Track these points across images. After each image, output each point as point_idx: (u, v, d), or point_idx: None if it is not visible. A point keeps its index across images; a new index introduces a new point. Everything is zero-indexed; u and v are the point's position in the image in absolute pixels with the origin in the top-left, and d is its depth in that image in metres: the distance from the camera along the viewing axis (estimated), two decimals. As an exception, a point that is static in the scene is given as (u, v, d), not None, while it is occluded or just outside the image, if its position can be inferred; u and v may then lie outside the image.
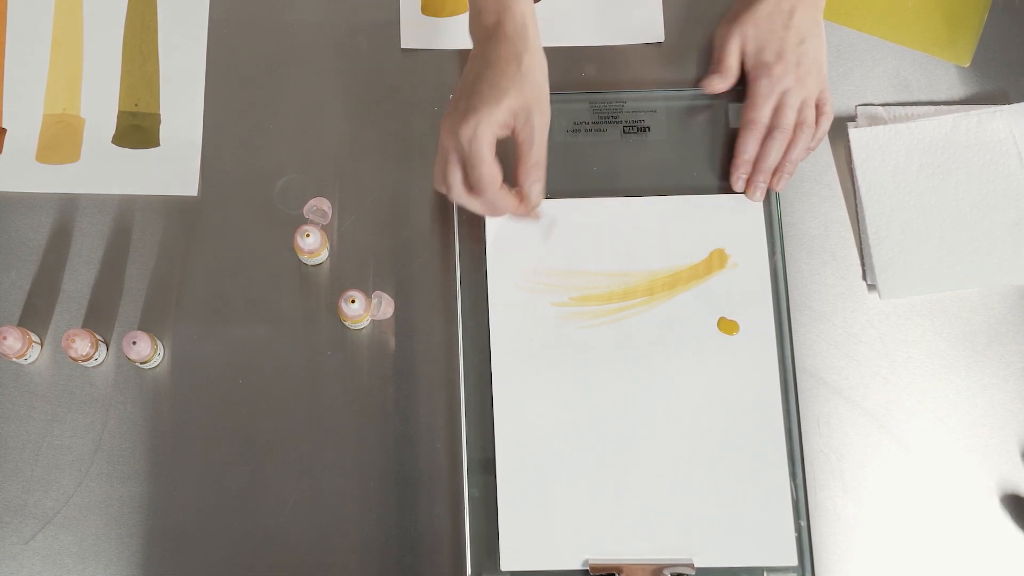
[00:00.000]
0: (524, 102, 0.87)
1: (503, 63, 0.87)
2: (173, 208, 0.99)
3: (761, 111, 0.97)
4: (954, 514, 0.94)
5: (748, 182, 0.98)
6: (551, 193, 0.97)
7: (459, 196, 0.90)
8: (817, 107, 0.98)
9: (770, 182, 0.98)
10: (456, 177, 0.88)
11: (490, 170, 0.87)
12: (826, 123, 0.98)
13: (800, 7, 0.97)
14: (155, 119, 1.01)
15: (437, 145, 0.90)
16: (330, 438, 0.94)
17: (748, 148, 0.97)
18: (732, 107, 1.01)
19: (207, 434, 0.94)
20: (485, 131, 0.85)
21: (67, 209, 0.99)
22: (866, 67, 1.04)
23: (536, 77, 0.88)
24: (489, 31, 0.89)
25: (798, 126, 0.97)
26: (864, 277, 0.99)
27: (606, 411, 0.94)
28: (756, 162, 0.98)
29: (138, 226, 0.98)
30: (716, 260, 0.97)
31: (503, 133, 0.87)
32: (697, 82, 1.02)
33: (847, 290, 0.99)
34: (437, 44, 1.03)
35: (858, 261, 0.99)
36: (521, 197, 0.90)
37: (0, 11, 1.04)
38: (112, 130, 1.01)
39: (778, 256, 0.97)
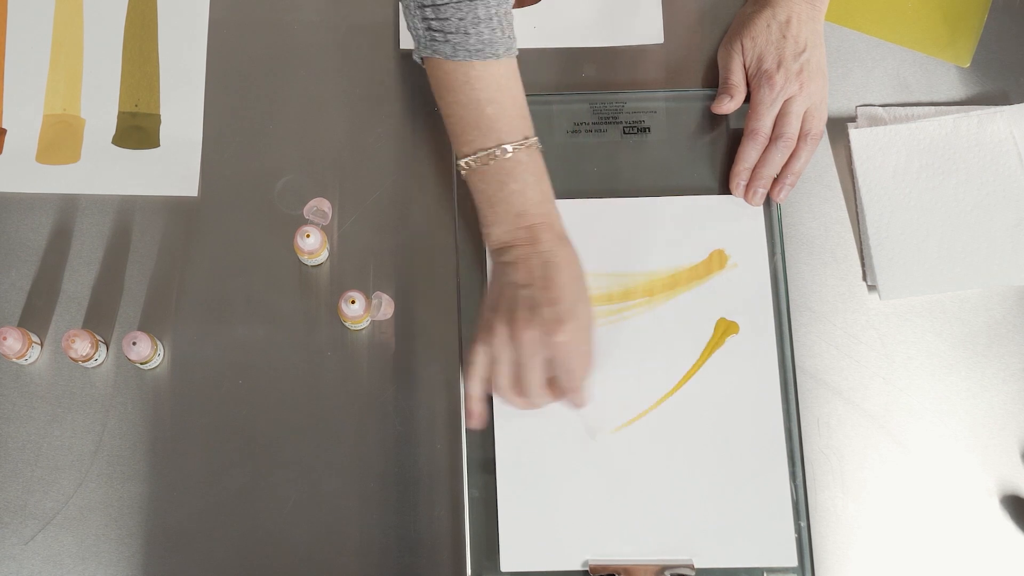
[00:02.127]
0: (591, 307, 0.88)
1: (573, 265, 0.88)
2: (173, 208, 0.99)
3: (763, 120, 0.97)
4: (954, 514, 0.94)
5: (747, 187, 0.98)
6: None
7: (537, 399, 0.89)
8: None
9: (771, 192, 0.98)
10: (539, 381, 0.87)
11: (582, 372, 0.87)
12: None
13: (796, 16, 0.97)
14: (155, 119, 1.01)
15: (488, 347, 0.88)
16: (330, 438, 0.94)
17: (748, 156, 0.98)
18: (732, 107, 1.01)
19: (207, 434, 0.94)
20: (579, 336, 0.86)
21: (67, 209, 0.99)
22: (866, 68, 1.04)
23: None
24: (534, 231, 0.88)
25: (803, 136, 0.97)
26: (864, 278, 0.99)
27: (606, 411, 0.94)
28: (756, 169, 0.98)
29: (138, 226, 0.98)
30: (716, 260, 0.97)
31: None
32: (697, 83, 1.03)
33: (847, 291, 0.99)
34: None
35: (858, 262, 0.99)
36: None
37: (0, 11, 1.04)
38: (112, 130, 1.01)
39: (778, 257, 0.97)
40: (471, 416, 0.90)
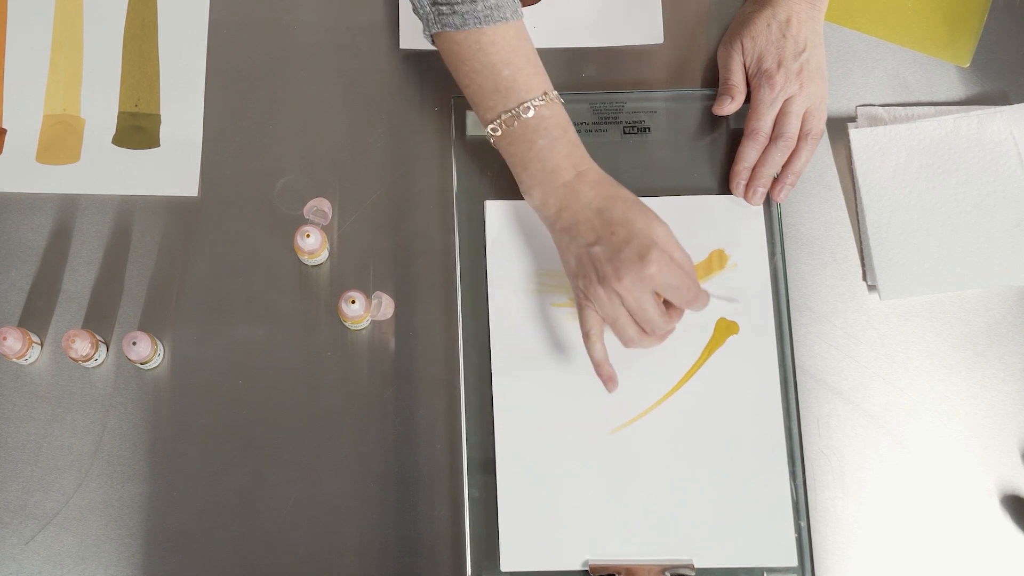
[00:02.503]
0: (659, 218, 0.88)
1: (622, 196, 0.89)
2: (173, 208, 0.99)
3: (763, 120, 0.97)
4: (954, 515, 0.94)
5: (747, 187, 0.98)
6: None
7: (667, 327, 0.89)
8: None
9: (771, 192, 0.98)
10: (658, 313, 0.88)
11: (689, 281, 0.88)
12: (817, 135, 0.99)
13: (796, 16, 0.97)
14: (155, 119, 1.01)
15: (596, 315, 0.89)
16: (330, 438, 0.94)
17: (748, 156, 0.98)
18: (732, 107, 1.01)
19: (207, 434, 0.94)
20: (665, 256, 0.86)
21: (67, 209, 0.99)
22: (866, 68, 1.04)
23: (646, 205, 0.89)
24: (573, 186, 0.89)
25: (803, 136, 0.97)
26: (864, 278, 0.99)
27: (606, 411, 0.94)
28: (756, 168, 0.98)
29: (138, 226, 0.98)
30: (716, 261, 0.97)
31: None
32: (697, 83, 1.03)
33: (847, 291, 0.99)
34: (437, 44, 1.03)
35: (858, 262, 0.99)
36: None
37: (0, 11, 1.04)
38: (112, 130, 1.01)
39: (778, 257, 0.97)
40: (608, 380, 0.90)
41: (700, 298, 0.89)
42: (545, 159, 0.89)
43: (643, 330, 0.88)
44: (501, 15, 0.88)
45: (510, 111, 0.89)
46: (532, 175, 0.90)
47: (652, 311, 0.87)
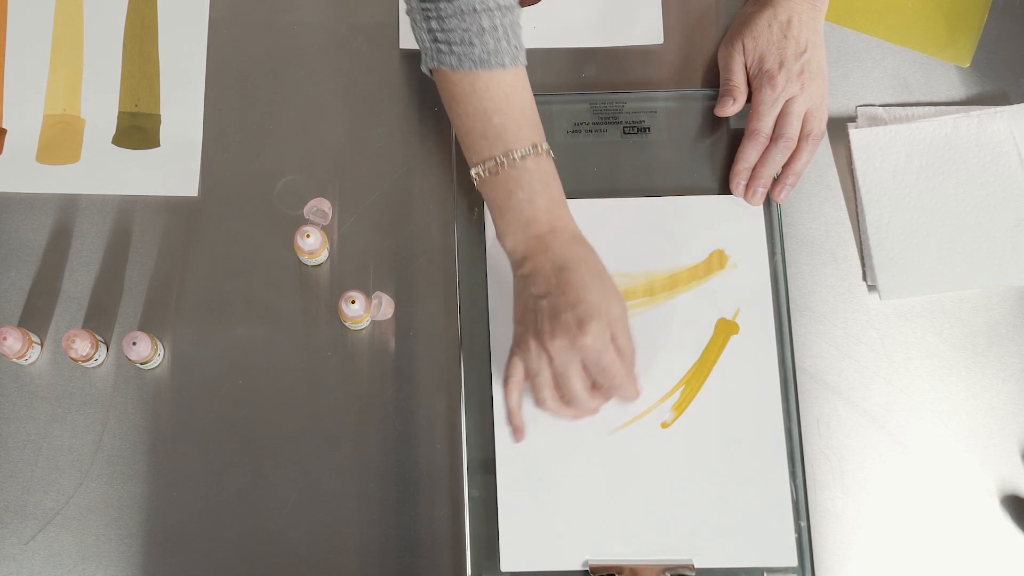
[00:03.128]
0: (620, 299, 0.87)
1: (588, 263, 0.87)
2: (173, 208, 0.99)
3: (764, 120, 0.97)
4: (954, 515, 0.94)
5: (747, 187, 0.98)
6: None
7: (587, 405, 0.87)
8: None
9: (772, 192, 0.98)
10: (581, 387, 0.86)
11: (620, 367, 0.86)
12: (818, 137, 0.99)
13: (797, 16, 0.97)
14: (155, 119, 1.01)
15: (521, 361, 0.87)
16: (330, 439, 0.94)
17: (749, 156, 0.98)
18: (732, 107, 1.01)
19: (207, 434, 0.94)
20: (606, 333, 0.84)
21: (67, 209, 0.99)
22: (866, 68, 1.04)
23: (612, 280, 0.88)
24: (544, 239, 0.87)
25: (803, 137, 0.97)
26: (864, 278, 0.99)
27: (605, 411, 0.93)
28: (756, 169, 0.98)
29: (138, 226, 0.98)
30: (716, 261, 0.97)
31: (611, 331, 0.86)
32: (697, 84, 1.03)
33: (847, 291, 0.99)
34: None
35: (858, 262, 0.99)
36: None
37: (0, 11, 1.03)
38: (112, 130, 1.01)
39: (778, 257, 0.97)
40: (516, 431, 0.89)
41: (628, 388, 0.87)
42: (523, 211, 0.88)
43: (560, 398, 0.87)
44: (499, 61, 0.86)
45: (494, 159, 0.88)
46: (507, 223, 0.89)
47: (575, 382, 0.85)
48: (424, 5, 0.87)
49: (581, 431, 0.93)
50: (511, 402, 0.89)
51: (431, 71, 0.91)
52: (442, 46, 0.87)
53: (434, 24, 0.86)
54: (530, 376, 0.87)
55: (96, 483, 0.93)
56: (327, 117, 1.02)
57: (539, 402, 0.87)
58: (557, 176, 0.89)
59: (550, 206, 0.88)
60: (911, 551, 0.93)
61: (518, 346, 0.87)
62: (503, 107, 0.87)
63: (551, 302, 0.85)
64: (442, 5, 0.85)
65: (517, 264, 0.89)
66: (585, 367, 0.85)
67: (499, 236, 0.90)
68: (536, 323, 0.86)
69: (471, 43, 0.86)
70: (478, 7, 0.85)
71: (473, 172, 0.89)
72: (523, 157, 0.87)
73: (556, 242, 0.87)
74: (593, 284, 0.86)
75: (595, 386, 0.87)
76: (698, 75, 1.03)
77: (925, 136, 1.01)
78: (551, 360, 0.85)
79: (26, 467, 0.93)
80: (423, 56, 0.90)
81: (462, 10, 0.85)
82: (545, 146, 0.89)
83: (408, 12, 0.90)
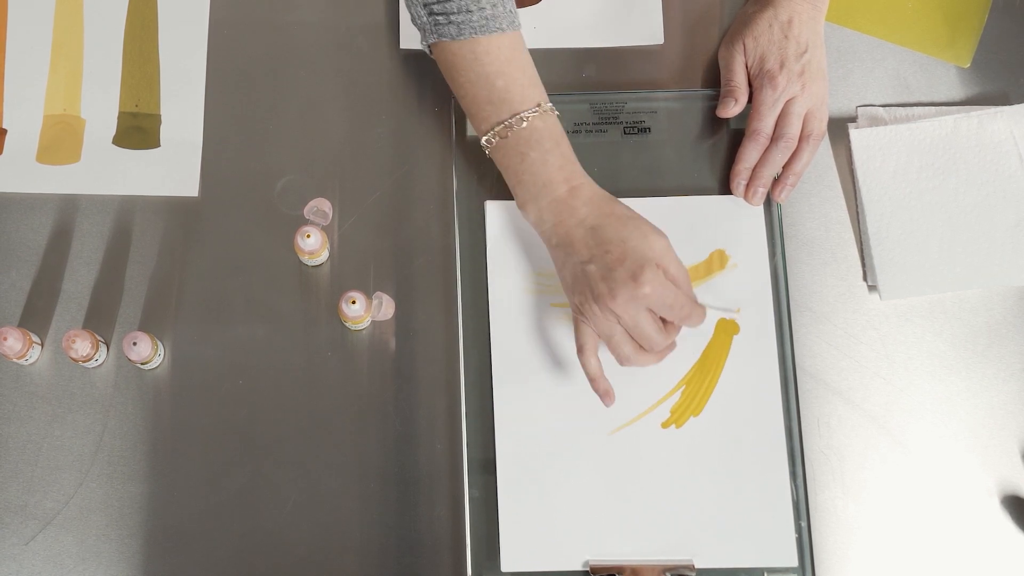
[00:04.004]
0: (658, 232, 0.88)
1: (619, 215, 0.88)
2: (173, 208, 0.99)
3: (765, 121, 0.97)
4: (954, 515, 0.94)
5: (747, 187, 0.98)
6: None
7: (664, 343, 0.88)
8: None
9: (772, 192, 0.98)
10: (655, 330, 0.87)
11: (683, 299, 0.87)
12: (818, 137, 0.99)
13: (798, 16, 0.97)
14: (155, 119, 1.01)
15: (591, 332, 0.88)
16: (330, 438, 0.94)
17: (749, 156, 0.98)
18: (732, 108, 1.01)
19: (207, 434, 0.94)
20: (660, 274, 0.86)
21: (67, 209, 0.99)
22: (866, 68, 1.04)
23: (644, 218, 0.89)
24: (567, 203, 0.89)
25: (804, 137, 0.97)
26: (864, 278, 0.99)
27: (606, 411, 0.94)
28: (756, 169, 0.98)
29: (138, 226, 0.98)
30: (716, 261, 0.97)
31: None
32: (697, 84, 1.03)
33: (847, 291, 0.99)
34: (437, 44, 1.03)
35: (858, 262, 0.99)
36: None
37: (0, 11, 1.03)
38: (112, 131, 1.01)
39: (778, 257, 0.97)
40: (604, 395, 0.90)
41: (695, 314, 0.88)
42: (538, 172, 0.89)
43: (640, 347, 0.88)
44: (497, 25, 0.88)
45: (503, 122, 0.89)
46: (526, 188, 0.90)
47: (648, 328, 0.87)
48: None
49: (581, 431, 0.93)
50: (591, 369, 0.90)
51: (430, 48, 0.92)
52: (439, 18, 0.89)
53: None
54: (604, 339, 0.88)
55: (96, 483, 0.93)
56: (327, 117, 1.02)
57: (622, 359, 0.89)
58: (564, 133, 0.91)
59: (563, 163, 0.90)
60: (911, 551, 0.93)
61: (582, 314, 0.89)
62: (505, 70, 0.89)
63: (598, 264, 0.86)
64: None
65: (548, 235, 0.90)
66: (651, 312, 0.87)
67: (520, 206, 0.92)
68: (592, 289, 0.87)
69: (468, 11, 0.88)
70: None
71: (483, 141, 0.91)
72: (530, 116, 0.89)
73: (579, 202, 0.89)
74: (630, 232, 0.87)
75: (665, 323, 0.88)
76: (698, 75, 1.03)
77: (925, 136, 1.01)
78: (619, 318, 0.86)
79: (26, 467, 0.93)
80: (422, 35, 0.92)
81: None
82: (549, 104, 0.90)
83: None
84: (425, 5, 0.89)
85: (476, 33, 0.88)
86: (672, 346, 0.90)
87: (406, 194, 1.00)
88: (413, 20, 0.92)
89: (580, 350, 0.90)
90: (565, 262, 0.89)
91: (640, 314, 0.86)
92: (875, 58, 1.04)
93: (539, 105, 0.90)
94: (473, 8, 0.88)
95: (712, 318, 0.96)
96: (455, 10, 0.88)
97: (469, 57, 0.89)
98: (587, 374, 0.90)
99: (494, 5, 0.88)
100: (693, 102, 1.02)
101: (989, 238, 0.98)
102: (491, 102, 0.90)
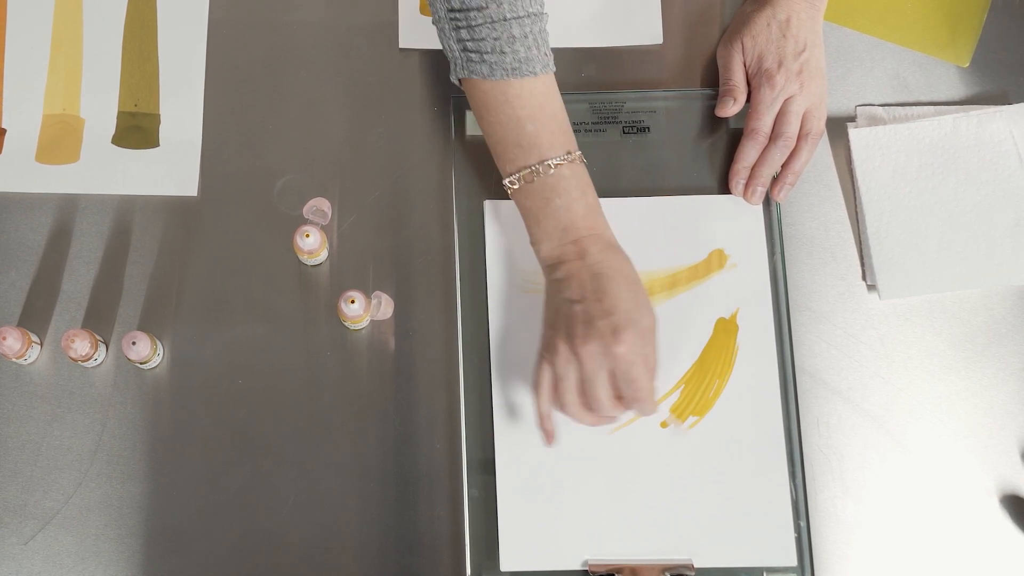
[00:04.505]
0: (652, 311, 0.86)
1: (625, 272, 0.87)
2: (173, 208, 0.99)
3: (763, 120, 0.97)
4: (954, 514, 0.94)
5: (746, 186, 0.98)
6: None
7: (608, 413, 0.87)
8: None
9: (771, 191, 0.98)
10: (606, 395, 0.85)
11: (647, 381, 0.85)
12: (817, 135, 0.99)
13: (796, 15, 0.97)
14: (155, 119, 1.01)
15: (551, 367, 0.87)
16: (330, 438, 0.94)
17: (748, 155, 0.98)
18: (732, 107, 1.01)
19: (207, 434, 0.94)
20: (639, 344, 0.84)
21: (67, 209, 0.99)
22: (866, 67, 1.04)
23: (646, 293, 0.88)
24: (581, 244, 0.87)
25: (802, 136, 0.97)
26: (864, 277, 0.99)
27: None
28: (755, 168, 0.98)
29: (138, 226, 0.98)
30: (716, 260, 0.97)
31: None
32: (696, 83, 1.03)
33: (847, 290, 0.99)
34: (435, 44, 1.03)
35: (858, 261, 0.99)
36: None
37: (0, 11, 1.04)
38: (112, 130, 1.01)
39: (778, 256, 0.97)
40: (548, 436, 0.89)
41: (649, 403, 0.86)
42: (560, 218, 0.88)
43: (583, 404, 0.86)
44: (530, 69, 0.86)
45: (530, 167, 0.88)
46: (543, 230, 0.89)
47: (601, 389, 0.85)
48: (453, 15, 0.86)
49: (581, 431, 0.93)
50: (542, 408, 0.88)
51: (460, 81, 0.90)
52: (472, 55, 0.87)
53: (464, 34, 0.86)
54: (558, 379, 0.86)
55: (96, 483, 0.93)
56: (327, 117, 1.02)
57: (562, 406, 0.87)
58: (591, 183, 0.89)
59: (587, 213, 0.88)
60: (911, 551, 0.93)
61: (547, 350, 0.87)
62: (536, 115, 0.87)
63: (586, 308, 0.85)
64: (472, 14, 0.85)
65: (551, 268, 0.89)
66: (611, 377, 0.85)
67: (534, 243, 0.90)
68: (568, 328, 0.85)
69: (502, 52, 0.86)
70: (508, 15, 0.85)
71: (507, 182, 0.89)
72: (558, 164, 0.87)
73: (593, 248, 0.87)
74: (629, 294, 0.85)
75: (618, 396, 0.86)
76: (697, 75, 1.03)
77: (925, 136, 1.01)
78: (580, 365, 0.85)
79: (26, 467, 0.93)
80: (452, 66, 0.90)
81: (492, 19, 0.85)
82: (578, 152, 0.89)
83: (435, 22, 0.89)
84: (459, 40, 0.87)
85: (508, 76, 0.86)
86: (610, 420, 0.88)
87: (405, 194, 1.00)
88: (445, 50, 0.90)
89: (535, 386, 0.88)
90: (555, 296, 0.88)
91: (600, 371, 0.84)
92: (874, 58, 1.04)
93: (569, 153, 0.88)
94: (507, 50, 0.85)
95: (711, 318, 0.96)
96: (488, 49, 0.86)
97: (500, 99, 0.87)
98: (539, 411, 0.88)
99: (528, 48, 0.86)
100: (692, 101, 1.02)
101: (988, 238, 0.98)
102: (519, 146, 0.88)
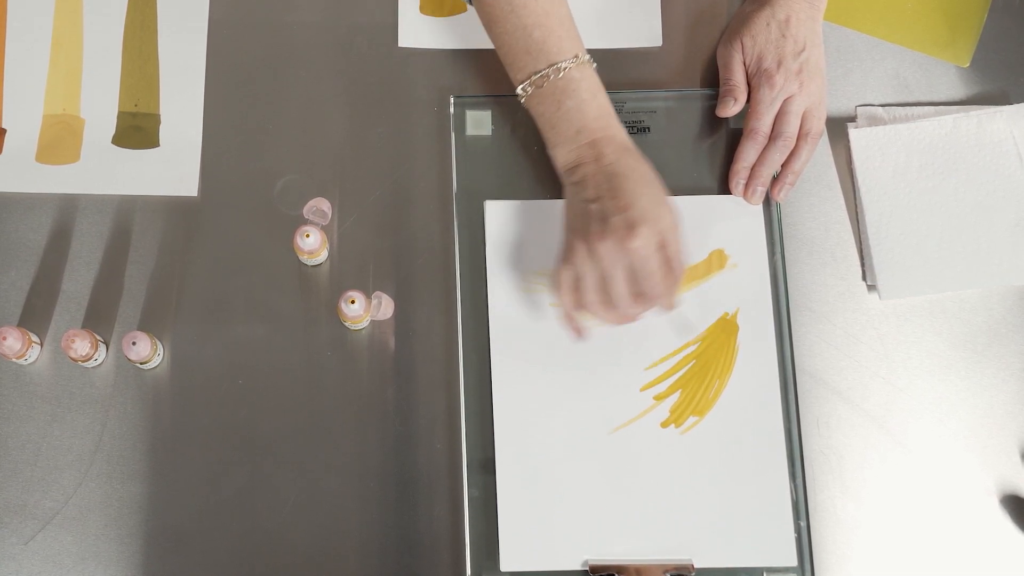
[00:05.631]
0: (672, 209, 0.88)
1: (641, 171, 0.88)
2: (173, 208, 0.99)
3: (763, 120, 0.97)
4: (954, 514, 0.94)
5: (746, 187, 0.98)
6: (552, 195, 0.97)
7: (628, 310, 0.88)
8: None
9: (771, 191, 0.98)
10: (625, 290, 0.87)
11: (663, 276, 0.87)
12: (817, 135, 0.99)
13: (795, 15, 0.97)
14: (155, 119, 1.01)
15: (571, 267, 0.88)
16: (330, 438, 0.94)
17: (747, 156, 0.98)
18: (732, 107, 1.01)
19: (207, 434, 0.94)
20: (655, 240, 0.86)
21: (67, 209, 0.99)
22: (866, 68, 1.04)
23: (665, 190, 0.89)
24: (596, 146, 0.89)
25: (802, 136, 0.97)
26: (864, 277, 0.99)
27: (605, 411, 0.94)
28: (755, 168, 0.98)
29: (138, 226, 0.98)
30: (716, 260, 0.97)
31: (660, 239, 0.87)
32: (696, 83, 1.03)
33: (847, 291, 0.99)
34: (435, 43, 1.03)
35: (858, 261, 0.99)
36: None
37: (0, 11, 1.04)
38: (112, 130, 1.01)
39: (778, 257, 0.97)
40: (576, 331, 0.90)
41: (667, 299, 0.88)
42: (572, 120, 0.90)
43: (605, 300, 0.88)
44: None
45: (540, 72, 0.90)
46: (558, 133, 0.91)
47: (619, 284, 0.87)
48: None
49: (581, 431, 0.93)
50: (566, 307, 0.90)
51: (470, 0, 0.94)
52: None
53: None
54: (577, 277, 0.88)
55: (96, 483, 0.93)
56: (327, 117, 1.02)
57: (583, 303, 0.89)
58: (602, 86, 0.91)
59: (599, 114, 0.90)
60: (911, 551, 0.93)
61: (569, 251, 0.89)
62: (542, 21, 0.90)
63: (601, 206, 0.87)
64: None
65: (569, 172, 0.91)
66: (630, 272, 0.86)
67: (550, 147, 0.92)
68: (586, 227, 0.87)
69: None
70: None
71: (519, 89, 0.92)
72: (567, 68, 0.90)
73: (608, 149, 0.89)
74: (645, 192, 0.87)
75: (638, 294, 0.88)
76: (697, 75, 1.03)
77: (925, 136, 1.01)
78: (599, 262, 0.86)
79: (26, 467, 0.93)
80: None
81: None
82: (587, 56, 0.91)
83: None
84: None
85: None
86: (634, 317, 0.89)
87: (406, 194, 1.00)
88: None
89: (557, 287, 0.90)
90: (573, 199, 0.90)
91: (618, 266, 0.86)
92: (874, 58, 1.04)
93: (576, 56, 0.90)
94: None
95: (712, 317, 0.96)
96: None
97: (506, 8, 0.90)
98: (565, 311, 0.90)
99: None
100: (692, 102, 1.02)
101: (989, 238, 0.98)
102: (528, 52, 0.90)
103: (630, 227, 0.85)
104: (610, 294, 0.87)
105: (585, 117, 0.90)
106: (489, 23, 0.93)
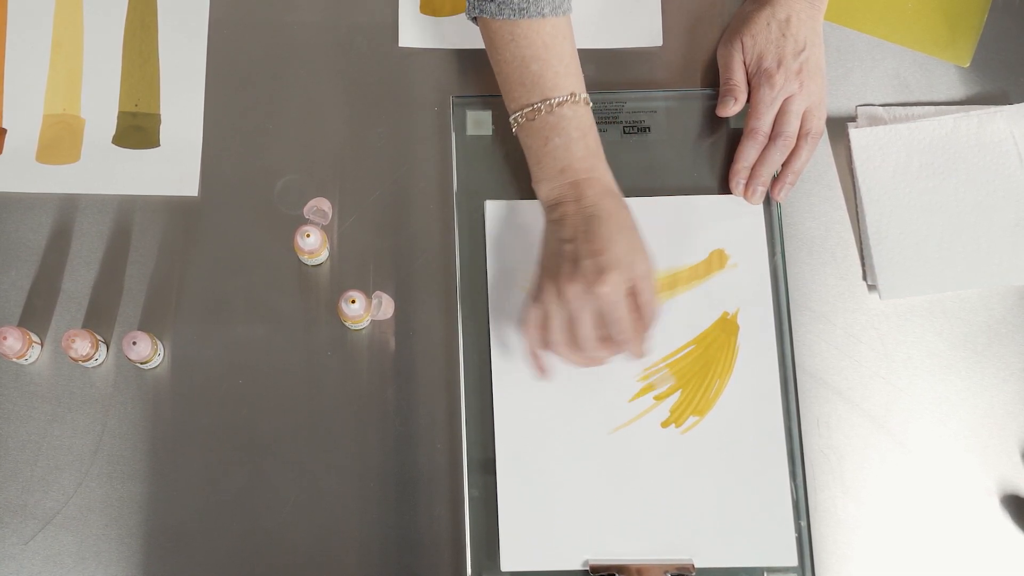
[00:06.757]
0: (647, 257, 0.88)
1: (619, 217, 0.88)
2: (173, 208, 0.99)
3: (763, 119, 0.97)
4: (954, 514, 0.94)
5: (746, 186, 0.98)
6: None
7: (594, 353, 0.88)
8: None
9: (772, 191, 0.98)
10: (591, 334, 0.87)
11: (631, 322, 0.87)
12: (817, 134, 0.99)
13: (796, 15, 0.97)
14: (155, 119, 1.01)
15: (540, 305, 0.88)
16: (330, 438, 0.94)
17: (748, 155, 0.98)
18: (732, 107, 1.01)
19: (207, 434, 0.94)
20: (624, 287, 0.86)
21: (67, 209, 0.99)
22: (866, 67, 1.04)
23: (642, 239, 0.89)
24: (578, 187, 0.89)
25: (802, 135, 0.97)
26: (864, 277, 0.99)
27: (606, 411, 0.94)
28: (755, 167, 0.98)
29: (138, 226, 0.98)
30: (716, 260, 0.97)
31: (631, 286, 0.87)
32: (696, 83, 1.03)
33: (847, 290, 0.99)
34: (435, 43, 1.03)
35: (858, 261, 0.99)
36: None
37: (0, 11, 1.04)
38: (112, 130, 1.01)
39: (778, 256, 0.97)
40: (540, 371, 0.90)
41: (635, 346, 0.88)
42: (558, 157, 0.90)
43: (570, 342, 0.87)
44: (538, 10, 0.89)
45: (532, 105, 0.90)
46: (543, 169, 0.91)
47: (585, 328, 0.86)
48: None
49: (581, 431, 0.93)
50: (531, 344, 0.90)
51: (475, 20, 0.93)
52: None
53: None
54: (544, 316, 0.88)
55: (96, 483, 0.93)
56: (327, 117, 1.02)
57: (549, 343, 0.88)
58: (595, 126, 0.91)
59: (586, 155, 0.90)
60: (911, 551, 0.93)
61: (536, 289, 0.89)
62: (541, 55, 0.90)
63: (575, 247, 0.87)
64: None
65: (549, 209, 0.91)
66: (597, 316, 0.86)
67: (534, 183, 0.92)
68: (558, 267, 0.87)
69: None
70: None
71: (511, 119, 0.92)
72: (559, 104, 0.89)
73: (590, 191, 0.89)
74: (620, 238, 0.87)
75: (605, 338, 0.87)
76: (698, 75, 1.03)
77: (925, 136, 1.01)
78: (566, 303, 0.86)
79: (26, 467, 0.93)
80: (467, 5, 0.92)
81: None
82: (584, 95, 0.91)
83: None
84: None
85: (515, 16, 0.89)
86: (600, 361, 0.89)
87: (406, 194, 1.00)
88: None
89: (524, 324, 0.90)
90: (550, 237, 0.90)
91: (585, 310, 0.86)
92: (875, 57, 1.04)
93: (572, 94, 0.90)
94: None
95: (712, 317, 0.96)
96: None
97: (507, 37, 0.90)
98: (528, 346, 0.90)
99: None
100: (692, 101, 1.02)
101: (989, 238, 0.98)
102: (523, 84, 0.90)
103: (599, 272, 0.85)
104: (575, 336, 0.87)
105: (571, 156, 0.90)
106: (490, 48, 0.93)
